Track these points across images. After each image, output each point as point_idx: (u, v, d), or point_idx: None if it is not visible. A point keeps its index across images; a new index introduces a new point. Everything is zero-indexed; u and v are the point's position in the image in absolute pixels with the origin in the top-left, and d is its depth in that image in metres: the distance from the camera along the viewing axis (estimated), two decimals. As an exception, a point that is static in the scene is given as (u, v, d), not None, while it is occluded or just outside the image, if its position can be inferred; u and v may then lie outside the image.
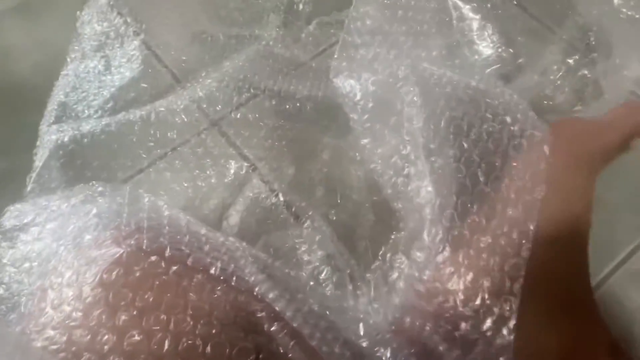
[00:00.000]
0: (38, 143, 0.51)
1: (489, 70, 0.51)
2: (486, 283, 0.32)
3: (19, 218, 0.39)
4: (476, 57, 0.51)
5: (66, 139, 0.49)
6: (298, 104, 0.53)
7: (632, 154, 0.41)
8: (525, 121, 0.34)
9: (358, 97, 0.40)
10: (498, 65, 0.51)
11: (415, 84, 0.36)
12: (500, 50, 0.52)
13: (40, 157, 0.49)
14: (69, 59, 0.57)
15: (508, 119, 0.33)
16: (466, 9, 0.52)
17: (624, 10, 0.49)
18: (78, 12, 0.59)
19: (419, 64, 0.39)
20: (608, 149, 0.38)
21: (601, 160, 0.38)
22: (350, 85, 0.42)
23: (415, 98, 0.35)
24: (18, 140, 0.53)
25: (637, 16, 0.49)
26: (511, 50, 0.52)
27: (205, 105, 0.54)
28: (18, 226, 0.39)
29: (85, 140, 0.51)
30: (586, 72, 0.48)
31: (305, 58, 0.57)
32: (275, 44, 0.56)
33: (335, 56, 0.46)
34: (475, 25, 0.52)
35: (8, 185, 0.51)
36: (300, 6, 0.60)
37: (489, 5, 0.52)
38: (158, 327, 0.28)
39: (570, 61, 0.49)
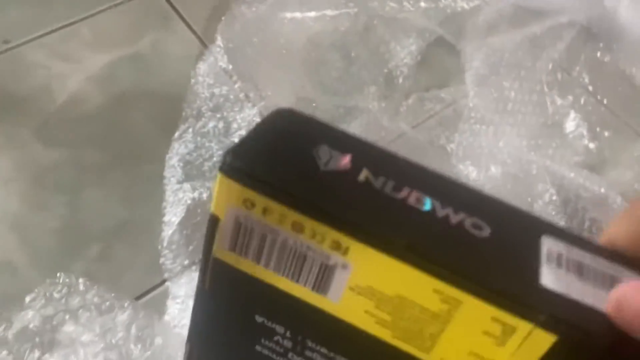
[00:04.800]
0: (167, 197, 0.54)
1: (577, 158, 0.57)
2: None
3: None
4: (566, 146, 0.57)
5: (204, 196, 0.52)
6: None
7: None
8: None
9: (488, 187, 0.45)
10: (583, 157, 0.57)
11: (551, 184, 0.41)
12: (587, 142, 0.58)
13: (171, 212, 0.53)
14: (184, 114, 0.61)
15: None
16: (561, 104, 0.58)
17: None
18: (192, 72, 0.64)
19: (545, 163, 0.44)
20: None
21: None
22: (475, 173, 0.47)
23: (554, 197, 0.40)
24: (137, 190, 0.57)
25: None
26: (596, 144, 0.58)
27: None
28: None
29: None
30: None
31: (405, 129, 0.62)
32: (381, 115, 0.61)
33: (455, 143, 0.51)
34: (567, 118, 0.58)
35: (131, 233, 0.54)
36: (400, 80, 0.65)
37: (581, 101, 0.58)
38: None
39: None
